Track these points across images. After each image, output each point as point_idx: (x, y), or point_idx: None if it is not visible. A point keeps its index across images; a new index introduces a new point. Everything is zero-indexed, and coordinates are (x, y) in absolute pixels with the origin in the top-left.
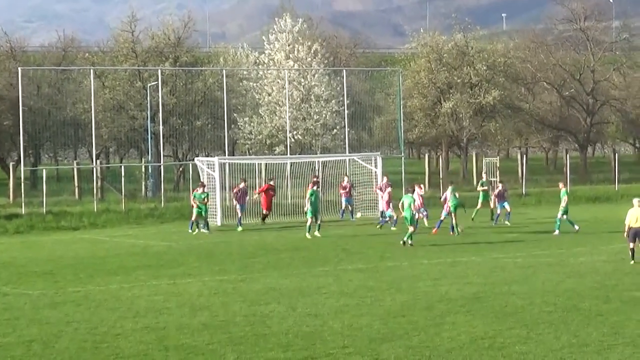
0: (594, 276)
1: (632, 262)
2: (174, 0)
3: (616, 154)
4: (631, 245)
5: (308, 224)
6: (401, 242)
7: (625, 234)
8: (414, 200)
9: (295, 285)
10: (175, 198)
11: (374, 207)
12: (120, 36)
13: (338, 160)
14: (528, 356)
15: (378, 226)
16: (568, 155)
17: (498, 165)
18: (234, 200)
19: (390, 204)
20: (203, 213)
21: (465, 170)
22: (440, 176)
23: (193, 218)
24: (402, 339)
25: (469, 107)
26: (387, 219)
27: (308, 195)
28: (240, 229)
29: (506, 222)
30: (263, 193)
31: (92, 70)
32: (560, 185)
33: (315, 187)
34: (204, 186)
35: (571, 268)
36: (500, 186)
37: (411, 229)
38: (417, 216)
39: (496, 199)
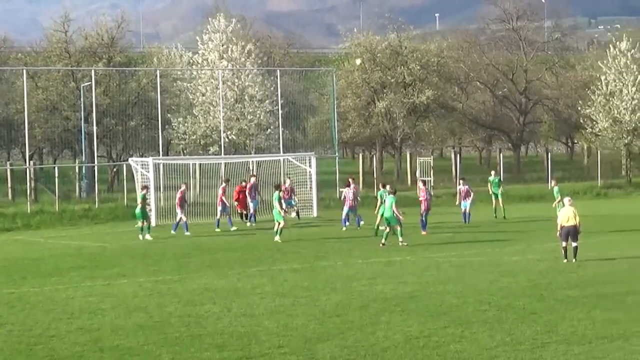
0: (527, 275)
1: (565, 260)
2: (107, 0)
3: (549, 153)
4: (564, 244)
5: (279, 227)
6: (381, 244)
7: (558, 233)
8: (395, 201)
9: (231, 285)
10: (109, 199)
11: (308, 207)
12: (53, 36)
13: (272, 160)
14: (463, 355)
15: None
16: (501, 154)
17: (432, 164)
18: (247, 197)
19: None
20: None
21: (399, 170)
22: (375, 176)
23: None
24: (338, 339)
25: (402, 107)
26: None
27: (275, 200)
28: (251, 224)
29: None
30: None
31: (24, 71)
32: (552, 183)
33: (278, 191)
34: (145, 188)
35: (505, 267)
36: (465, 185)
37: (398, 227)
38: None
39: (461, 198)
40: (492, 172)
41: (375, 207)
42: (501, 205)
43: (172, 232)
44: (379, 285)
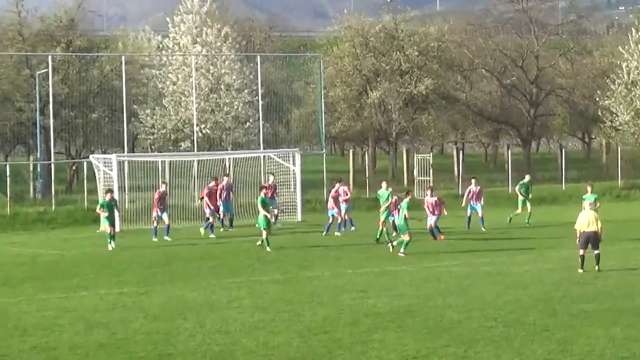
0: (539, 286)
1: (581, 270)
2: None
3: (563, 150)
4: (581, 252)
5: (265, 236)
6: (389, 245)
7: (577, 240)
8: (408, 207)
9: (204, 298)
10: (67, 200)
11: (292, 210)
12: (4, 18)
13: (252, 157)
14: None
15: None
16: (510, 151)
17: (431, 162)
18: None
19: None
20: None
21: (394, 168)
22: (367, 175)
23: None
24: (325, 359)
25: (398, 98)
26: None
27: (260, 203)
28: (225, 229)
29: (482, 229)
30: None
31: None
32: (589, 188)
33: (263, 192)
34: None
35: (514, 278)
36: (477, 186)
37: (406, 237)
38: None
39: (470, 200)
40: (527, 176)
41: (380, 208)
42: (529, 209)
43: (166, 238)
44: (371, 298)
